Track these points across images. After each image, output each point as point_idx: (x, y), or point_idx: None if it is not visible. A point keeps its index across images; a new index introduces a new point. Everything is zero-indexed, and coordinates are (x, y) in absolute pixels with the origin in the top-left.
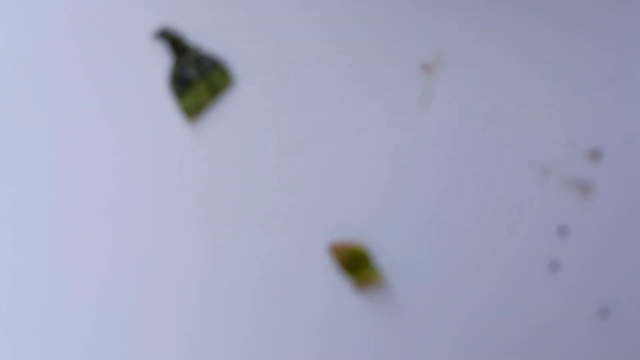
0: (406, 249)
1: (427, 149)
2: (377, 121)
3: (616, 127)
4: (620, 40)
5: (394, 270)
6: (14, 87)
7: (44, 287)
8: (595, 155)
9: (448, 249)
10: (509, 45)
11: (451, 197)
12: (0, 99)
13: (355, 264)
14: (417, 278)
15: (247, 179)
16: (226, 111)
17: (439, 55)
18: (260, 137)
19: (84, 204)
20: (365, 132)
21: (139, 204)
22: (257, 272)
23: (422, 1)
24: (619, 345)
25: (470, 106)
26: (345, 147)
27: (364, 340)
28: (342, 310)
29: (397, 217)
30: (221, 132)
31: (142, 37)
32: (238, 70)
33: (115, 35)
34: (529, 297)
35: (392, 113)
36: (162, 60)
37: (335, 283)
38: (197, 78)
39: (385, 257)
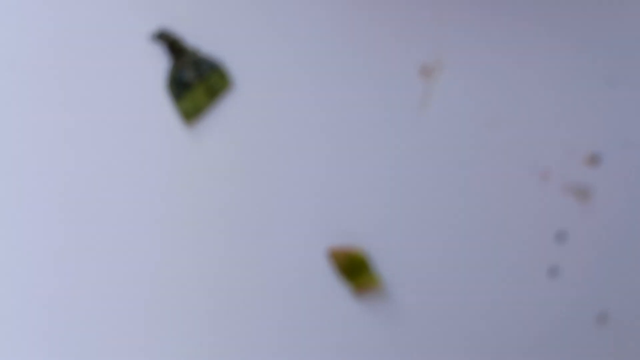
0: (405, 254)
1: (426, 153)
2: (376, 125)
3: (615, 132)
4: (619, 44)
5: (393, 275)
6: (11, 89)
7: (39, 289)
8: (594, 159)
9: (447, 253)
10: (508, 49)
11: (450, 201)
12: None
13: (353, 269)
14: (416, 283)
15: (246, 183)
16: (225, 114)
17: (438, 58)
18: (259, 140)
19: (81, 207)
20: (364, 135)
21: (136, 208)
22: (255, 276)
23: (421, 4)
24: (617, 351)
25: (470, 110)
26: (344, 150)
27: (362, 346)
28: (340, 316)
29: (396, 221)
30: (219, 135)
31: (140, 38)
32: (237, 72)
33: (113, 36)
34: (528, 303)
35: (391, 117)
36: (160, 63)
37: (334, 288)
38: (195, 81)
39: (384, 262)
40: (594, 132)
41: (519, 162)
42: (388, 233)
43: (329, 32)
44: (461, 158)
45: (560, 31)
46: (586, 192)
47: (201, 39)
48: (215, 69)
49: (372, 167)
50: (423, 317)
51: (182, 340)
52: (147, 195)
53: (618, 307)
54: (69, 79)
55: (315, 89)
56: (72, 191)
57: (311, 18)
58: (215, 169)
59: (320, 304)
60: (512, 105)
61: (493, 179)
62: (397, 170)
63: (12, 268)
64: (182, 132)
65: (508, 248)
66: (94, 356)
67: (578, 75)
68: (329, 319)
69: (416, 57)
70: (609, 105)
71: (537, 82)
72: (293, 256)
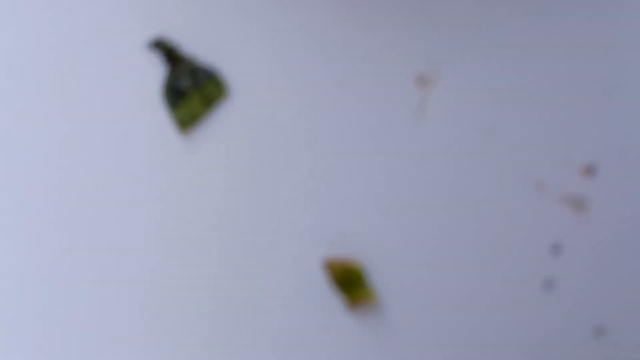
0: (400, 265)
1: (423, 163)
2: (372, 134)
3: (611, 142)
4: (616, 54)
5: (388, 288)
6: (7, 95)
7: (33, 297)
8: (590, 170)
9: (442, 265)
10: (504, 58)
11: (446, 212)
12: None
13: (349, 281)
14: (410, 297)
15: (242, 191)
16: (220, 123)
17: (434, 68)
18: (255, 149)
19: (77, 214)
20: (361, 145)
21: (132, 217)
22: (250, 284)
23: (417, 13)
24: None
25: (466, 120)
26: (341, 160)
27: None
28: (332, 329)
29: (392, 231)
30: (215, 144)
31: (137, 47)
32: (232, 81)
33: (109, 44)
34: (523, 316)
35: (388, 126)
36: (156, 71)
37: (328, 300)
38: (191, 89)
39: (380, 275)
40: (590, 142)
41: (514, 172)
42: (384, 243)
43: (325, 41)
44: (457, 168)
45: (556, 41)
46: (582, 203)
47: (197, 47)
48: (211, 77)
49: (368, 177)
50: (417, 331)
51: (176, 350)
52: (143, 204)
53: (615, 320)
54: (65, 87)
55: (311, 97)
56: (68, 199)
57: (307, 27)
58: (211, 178)
59: (313, 316)
60: (507, 115)
61: (489, 190)
62: (393, 180)
63: (6, 276)
64: (178, 141)
65: (503, 260)
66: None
67: (574, 85)
68: (321, 331)
69: (412, 67)
70: (605, 115)
71: (532, 92)
72: (288, 265)
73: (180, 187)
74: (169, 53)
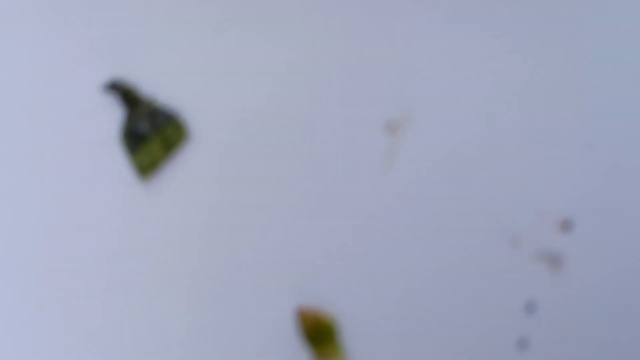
0: (371, 321)
1: (393, 213)
2: (341, 182)
3: (588, 197)
4: (594, 108)
5: (357, 345)
6: None
7: None
8: (566, 225)
9: (413, 322)
10: (477, 106)
11: (416, 265)
12: None
13: (319, 334)
14: (380, 356)
15: (206, 240)
16: (181, 168)
17: (404, 114)
18: (218, 195)
19: (32, 263)
20: (329, 193)
21: (89, 267)
22: (216, 332)
23: (386, 58)
24: None
25: (436, 169)
26: (309, 207)
27: None
28: None
29: (362, 283)
30: (176, 190)
31: (93, 89)
32: (193, 123)
33: (64, 87)
34: None
35: (356, 174)
36: (114, 113)
37: (295, 351)
38: (151, 132)
39: (350, 330)
40: (567, 196)
41: (487, 225)
42: (355, 295)
43: (291, 83)
44: (428, 219)
45: (533, 89)
46: (557, 260)
47: (157, 88)
48: (171, 119)
49: (337, 225)
50: None
51: None
52: (102, 254)
53: None
54: (18, 132)
55: (276, 141)
56: (22, 247)
57: (272, 69)
58: (173, 226)
59: None
60: (480, 165)
61: (461, 243)
62: (362, 229)
63: None
64: (137, 188)
65: (476, 317)
66: None
67: (551, 137)
68: None
69: (381, 113)
70: (583, 168)
71: (507, 143)
72: (258, 313)
73: (141, 236)
74: (127, 95)
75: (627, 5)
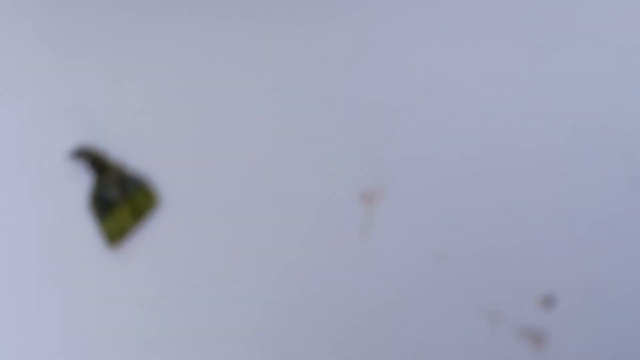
0: None
1: (368, 286)
2: (314, 253)
3: (571, 273)
4: (578, 182)
5: None
6: None
7: None
8: (548, 302)
9: None
10: (456, 176)
11: (392, 340)
12: None
13: None
14: None
15: (177, 310)
16: (151, 235)
17: (379, 183)
18: (189, 264)
19: (6, 339)
20: (304, 264)
21: (58, 336)
22: None
23: (360, 128)
24: None
25: (414, 241)
26: (283, 278)
27: None
28: None
29: (338, 352)
30: (146, 258)
31: (59, 155)
32: (164, 190)
33: (31, 153)
34: None
35: (331, 244)
36: (81, 180)
37: None
38: (120, 199)
39: None
40: (549, 272)
41: (467, 301)
42: None
43: (265, 152)
44: (405, 293)
45: (514, 162)
46: (540, 337)
47: (127, 153)
48: (141, 186)
49: (312, 297)
50: None
51: None
52: (70, 325)
53: None
54: None
55: (250, 211)
56: None
57: (246, 137)
58: (142, 296)
59: None
60: (459, 239)
61: (437, 317)
62: (338, 302)
63: None
64: (106, 256)
65: None
66: None
67: (533, 212)
68: None
69: (356, 182)
70: (565, 244)
71: (487, 215)
72: None
73: (110, 305)
74: (95, 161)
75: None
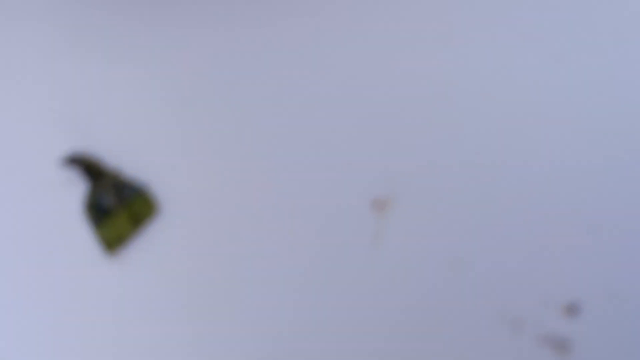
0: None
1: (382, 296)
2: (324, 263)
3: (595, 280)
4: (602, 191)
5: None
6: None
7: None
8: (572, 310)
9: None
10: (473, 183)
11: (409, 351)
12: None
13: None
14: None
15: (176, 318)
16: (150, 242)
17: (391, 191)
18: (190, 271)
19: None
20: (313, 273)
21: (55, 345)
22: None
23: (371, 136)
24: None
25: (430, 250)
26: (291, 287)
27: None
28: None
29: None
30: (145, 265)
31: (53, 162)
32: (163, 197)
33: (23, 160)
34: None
35: (342, 252)
36: (76, 186)
37: None
38: (117, 206)
39: None
40: (573, 279)
41: (488, 310)
42: None
43: (271, 158)
44: (421, 302)
45: (536, 170)
46: (564, 345)
47: (125, 160)
48: (140, 194)
49: (322, 306)
50: None
51: None
52: (67, 334)
53: None
54: None
55: (256, 218)
56: None
57: (251, 141)
58: (141, 303)
59: None
60: (478, 246)
61: (457, 328)
62: (350, 311)
63: None
64: (103, 263)
65: None
66: None
67: (556, 219)
68: None
69: (368, 190)
70: (589, 252)
71: (508, 223)
72: None
73: (108, 313)
74: (89, 168)
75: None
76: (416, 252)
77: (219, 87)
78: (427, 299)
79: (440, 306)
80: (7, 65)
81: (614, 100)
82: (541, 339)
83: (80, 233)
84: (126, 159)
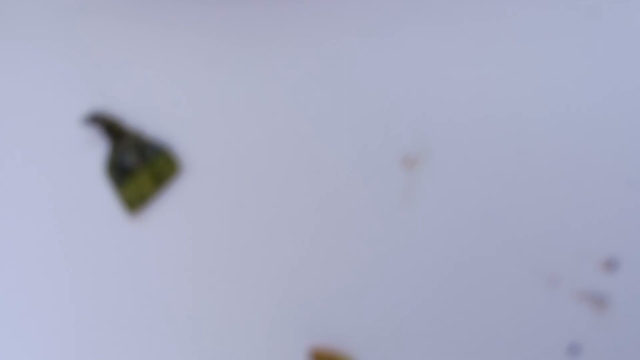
0: None
1: (414, 252)
2: (353, 218)
3: (634, 235)
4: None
5: None
6: None
7: None
8: (610, 265)
9: None
10: (506, 136)
11: (442, 308)
12: None
13: None
14: None
15: (198, 277)
16: (173, 202)
17: (422, 147)
18: (214, 231)
19: (23, 309)
20: (341, 229)
21: (77, 306)
22: None
23: (401, 89)
24: None
25: (462, 206)
26: (319, 244)
27: None
28: None
29: (383, 324)
30: (167, 225)
31: (74, 122)
32: (185, 156)
33: (43, 119)
34: None
35: (371, 211)
36: (96, 146)
37: None
38: (138, 166)
39: None
40: (611, 234)
41: (522, 265)
42: (376, 339)
43: (298, 114)
44: (454, 258)
45: (572, 121)
46: (602, 301)
47: (145, 120)
48: (161, 153)
49: (352, 262)
50: None
51: None
52: (89, 294)
53: None
54: None
55: (282, 176)
56: (13, 290)
57: (273, 97)
58: (164, 263)
59: None
60: (513, 200)
61: (492, 284)
62: (380, 266)
63: None
64: (125, 223)
65: None
66: None
67: (594, 174)
68: None
69: (398, 146)
70: (627, 205)
71: (543, 176)
72: (270, 354)
73: (130, 272)
74: (110, 127)
75: None
76: (448, 209)
77: (242, 42)
78: (460, 256)
79: (474, 263)
80: (28, 23)
81: None
82: (578, 294)
83: (102, 193)
84: (148, 119)
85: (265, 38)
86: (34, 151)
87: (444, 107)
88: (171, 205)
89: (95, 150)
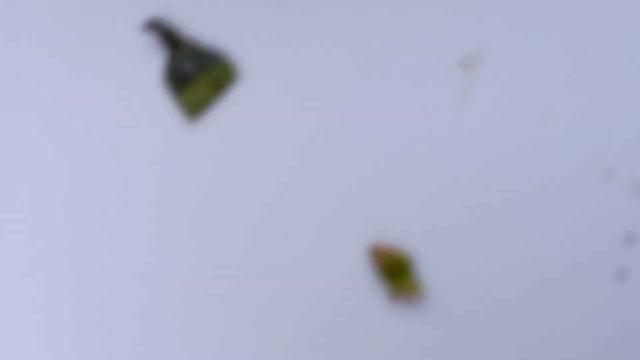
0: (450, 259)
1: (471, 150)
2: (411, 120)
3: None
4: None
5: (435, 282)
6: (7, 88)
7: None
8: None
9: (498, 259)
10: (561, 36)
11: (500, 202)
12: None
13: (395, 270)
14: (461, 292)
15: (256, 183)
16: (231, 108)
17: (480, 49)
18: (271, 137)
19: (82, 210)
20: (399, 130)
21: (136, 212)
22: (280, 272)
23: None
24: None
25: (518, 104)
26: (378, 145)
27: (394, 355)
28: (374, 320)
29: (440, 221)
30: (226, 130)
31: (131, 29)
32: (244, 63)
33: (102, 28)
34: (594, 310)
35: (427, 112)
36: (153, 55)
37: (370, 289)
38: (196, 73)
39: (426, 268)
40: None
41: (578, 159)
42: (432, 233)
43: (353, 16)
44: (511, 154)
45: (623, 15)
46: None
47: (202, 28)
48: (218, 60)
49: (411, 163)
50: (467, 328)
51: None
52: (150, 200)
53: None
54: (56, 78)
55: (339, 82)
56: (72, 194)
57: (334, 3)
58: (222, 168)
59: (354, 305)
60: (568, 97)
61: (548, 178)
62: (440, 167)
63: (14, 271)
64: (184, 129)
65: (570, 252)
66: None
67: None
68: (362, 322)
69: (454, 48)
70: None
71: (598, 72)
72: (326, 252)
73: (190, 179)
74: (167, 35)
75: None
76: (504, 107)
77: None
78: (517, 153)
79: (530, 158)
80: None
81: None
82: (633, 187)
83: (161, 101)
84: (205, 27)
85: None
86: (94, 58)
87: (499, 8)
88: (229, 111)
89: (153, 60)
